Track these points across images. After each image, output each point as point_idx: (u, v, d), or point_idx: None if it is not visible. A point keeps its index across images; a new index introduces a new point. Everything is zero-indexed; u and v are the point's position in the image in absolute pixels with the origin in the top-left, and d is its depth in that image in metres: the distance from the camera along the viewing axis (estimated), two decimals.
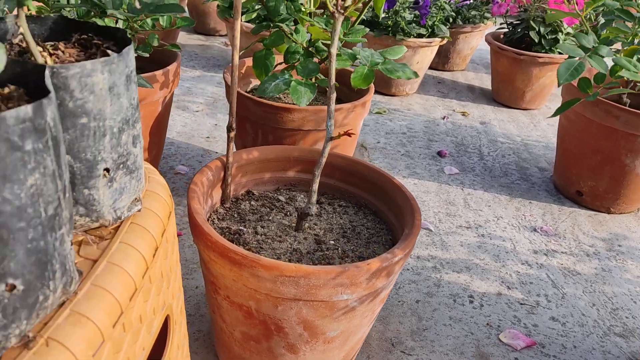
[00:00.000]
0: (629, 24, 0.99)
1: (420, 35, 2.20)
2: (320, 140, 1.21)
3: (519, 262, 1.32)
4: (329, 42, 1.12)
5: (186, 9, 2.90)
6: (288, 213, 0.92)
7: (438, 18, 2.25)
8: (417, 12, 2.15)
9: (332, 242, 0.86)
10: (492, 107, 2.32)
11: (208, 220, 0.87)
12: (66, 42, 0.53)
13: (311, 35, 1.17)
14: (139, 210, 0.55)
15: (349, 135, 0.75)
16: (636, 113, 1.35)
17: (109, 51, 0.48)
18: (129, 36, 0.53)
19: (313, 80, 1.14)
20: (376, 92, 2.33)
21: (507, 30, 2.30)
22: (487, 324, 1.12)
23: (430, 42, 2.18)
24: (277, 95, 1.31)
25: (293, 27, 1.15)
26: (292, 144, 1.20)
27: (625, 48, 0.90)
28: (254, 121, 1.20)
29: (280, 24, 1.12)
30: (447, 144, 1.92)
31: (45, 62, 0.48)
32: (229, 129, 0.88)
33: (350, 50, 0.88)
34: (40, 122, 0.35)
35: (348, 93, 1.36)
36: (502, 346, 1.07)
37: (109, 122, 0.47)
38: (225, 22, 2.24)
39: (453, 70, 2.74)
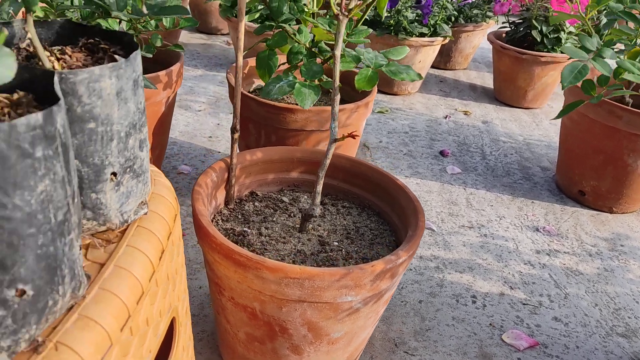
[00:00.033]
0: (631, 25, 0.99)
1: (422, 35, 2.20)
2: (323, 141, 1.21)
3: (522, 262, 1.32)
4: (332, 42, 1.13)
5: (188, 8, 2.90)
6: (292, 214, 0.93)
7: (440, 17, 2.25)
8: (419, 11, 2.15)
9: (335, 243, 0.86)
10: (494, 106, 2.32)
11: (212, 221, 0.88)
12: (73, 46, 0.53)
13: (314, 35, 1.17)
14: (145, 214, 0.56)
15: (353, 137, 0.76)
16: (639, 113, 1.35)
17: (116, 56, 0.49)
18: (133, 37, 0.53)
19: (317, 81, 1.14)
20: (378, 91, 2.33)
21: (509, 29, 2.30)
22: (490, 324, 1.12)
23: (433, 41, 2.18)
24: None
25: (296, 28, 1.15)
26: (295, 145, 1.21)
27: (628, 50, 0.90)
28: (257, 122, 1.20)
29: (284, 25, 1.12)
30: (450, 143, 1.92)
31: (53, 67, 0.48)
32: (233, 130, 0.88)
33: (354, 52, 0.88)
34: (50, 129, 0.36)
35: (351, 93, 1.36)
36: (505, 346, 1.07)
37: (117, 127, 0.48)
38: (227, 21, 2.24)
39: (455, 69, 2.74)
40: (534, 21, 2.15)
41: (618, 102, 1.45)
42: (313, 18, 1.20)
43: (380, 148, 1.83)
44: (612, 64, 2.46)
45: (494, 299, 1.19)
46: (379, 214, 0.96)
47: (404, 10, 2.12)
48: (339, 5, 0.76)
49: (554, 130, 2.12)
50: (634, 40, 0.92)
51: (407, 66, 0.80)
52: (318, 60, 1.18)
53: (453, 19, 2.46)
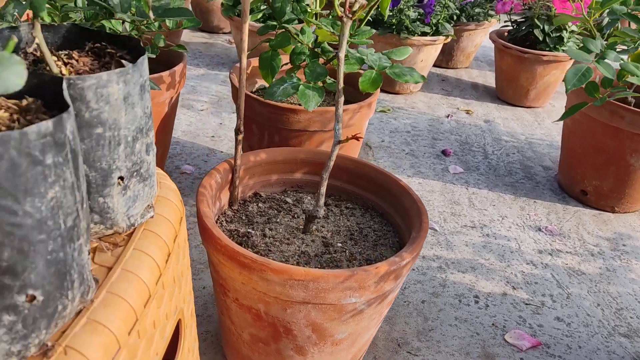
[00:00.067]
0: (633, 26, 1.00)
1: (424, 34, 2.20)
2: (326, 141, 1.22)
3: (524, 262, 1.33)
4: (335, 42, 1.13)
5: (190, 6, 2.90)
6: (295, 215, 0.93)
7: (442, 16, 2.24)
8: (421, 11, 2.15)
9: (339, 244, 0.86)
10: (496, 105, 2.32)
11: (216, 222, 0.88)
12: (80, 50, 0.53)
13: (317, 36, 1.17)
14: (152, 217, 0.56)
15: (357, 139, 0.76)
16: None
17: (123, 61, 0.49)
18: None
19: (320, 83, 1.14)
20: (380, 90, 2.33)
21: (511, 28, 2.30)
22: (493, 324, 1.12)
23: (435, 41, 2.18)
24: None
25: (299, 28, 1.16)
26: (298, 145, 1.21)
27: (632, 52, 0.90)
28: (260, 122, 1.20)
29: (287, 25, 1.12)
30: (452, 142, 1.92)
31: (61, 72, 0.48)
32: (237, 132, 0.89)
33: (358, 54, 0.89)
34: (60, 136, 0.36)
35: (354, 93, 1.36)
36: (508, 346, 1.07)
37: (124, 132, 0.48)
38: (229, 20, 2.24)
39: (457, 67, 2.74)
40: (536, 20, 2.14)
41: (621, 102, 1.45)
42: (316, 18, 1.20)
43: (383, 147, 1.83)
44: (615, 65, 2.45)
45: (496, 299, 1.20)
46: (382, 215, 0.97)
47: (406, 9, 2.12)
48: (343, 6, 0.76)
49: (556, 130, 2.12)
50: (638, 42, 0.92)
51: (410, 68, 0.80)
52: (321, 60, 1.18)
53: (455, 17, 2.46)
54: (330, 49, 1.18)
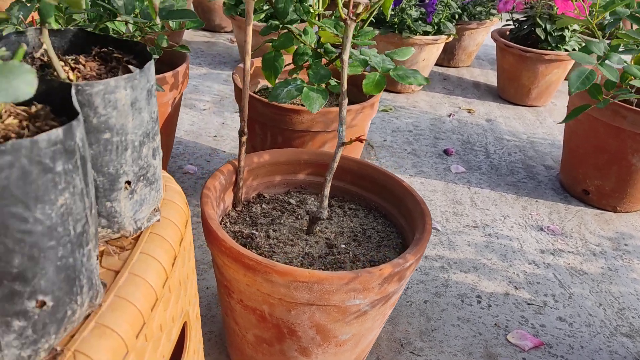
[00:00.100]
0: (635, 27, 1.00)
1: (426, 33, 2.20)
2: (329, 141, 1.22)
3: (526, 262, 1.33)
4: (337, 42, 1.13)
5: (191, 5, 2.90)
6: (299, 216, 0.93)
7: (444, 15, 2.24)
8: (423, 10, 2.15)
9: (343, 245, 0.87)
10: (497, 104, 2.32)
11: (220, 223, 0.88)
12: (86, 55, 0.53)
13: (320, 37, 1.17)
14: (158, 220, 0.56)
15: (361, 141, 0.76)
16: None
17: (130, 66, 0.49)
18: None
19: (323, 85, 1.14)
20: None
21: (513, 27, 2.30)
22: (495, 324, 1.13)
23: (437, 40, 2.19)
24: None
25: (301, 27, 1.16)
26: (300, 145, 1.21)
27: (635, 54, 0.90)
28: (263, 123, 1.20)
29: (289, 26, 1.12)
30: (454, 142, 1.92)
31: (68, 77, 0.48)
32: (241, 133, 0.89)
33: (361, 56, 0.89)
34: (70, 144, 0.36)
35: (356, 93, 1.36)
36: (510, 347, 1.08)
37: (131, 137, 0.48)
38: (231, 19, 2.24)
39: (458, 66, 2.74)
40: (538, 19, 2.14)
41: (623, 102, 1.45)
42: (318, 19, 1.20)
43: (385, 147, 1.84)
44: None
45: (498, 299, 1.20)
46: (385, 216, 0.97)
47: (408, 8, 2.12)
48: (347, 7, 0.77)
49: (557, 129, 2.13)
50: None
51: (414, 70, 0.80)
52: (323, 60, 1.18)
53: (457, 16, 2.46)
54: (333, 49, 1.18)
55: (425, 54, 2.22)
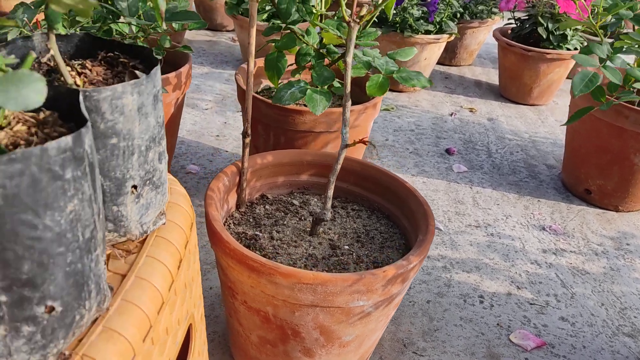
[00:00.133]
0: (638, 28, 1.00)
1: (428, 32, 2.20)
2: (331, 142, 1.22)
3: (528, 262, 1.33)
4: (340, 44, 1.13)
5: (193, 4, 2.90)
6: (302, 217, 0.94)
7: (446, 14, 2.24)
8: (425, 9, 2.15)
9: (346, 247, 0.87)
10: (499, 103, 2.32)
11: (224, 224, 0.89)
12: (92, 59, 0.54)
13: (323, 37, 1.17)
14: (164, 224, 0.57)
15: (364, 143, 0.76)
16: None
17: (137, 72, 0.49)
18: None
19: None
20: None
21: (515, 25, 2.30)
22: (498, 324, 1.13)
23: (438, 39, 2.19)
24: None
25: (304, 27, 1.16)
26: (303, 146, 1.21)
27: (637, 56, 0.90)
28: (266, 123, 1.20)
29: (292, 27, 1.12)
30: (455, 141, 1.93)
31: (75, 82, 0.49)
32: (245, 135, 0.89)
33: (365, 58, 0.89)
34: (79, 151, 0.36)
35: (359, 93, 1.36)
36: (513, 347, 1.08)
37: (137, 141, 0.49)
38: (233, 18, 2.24)
39: (460, 65, 2.74)
40: (539, 18, 2.14)
41: (625, 102, 1.45)
42: (321, 19, 1.20)
43: (387, 146, 1.84)
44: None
45: (501, 298, 1.20)
46: (388, 217, 0.97)
47: (410, 7, 2.12)
48: (350, 8, 0.77)
49: (559, 128, 2.13)
50: None
51: (417, 72, 0.81)
52: (326, 61, 1.18)
53: (458, 15, 2.46)
54: (336, 49, 1.18)
55: (427, 53, 2.22)
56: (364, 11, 0.76)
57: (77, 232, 0.38)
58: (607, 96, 0.86)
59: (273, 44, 1.14)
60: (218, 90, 2.15)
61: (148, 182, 0.52)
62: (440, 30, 2.23)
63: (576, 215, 1.55)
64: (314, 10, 1.16)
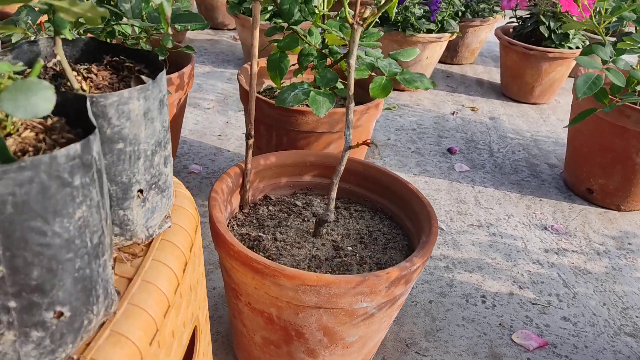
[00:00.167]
0: None
1: (429, 31, 2.20)
2: (333, 142, 1.22)
3: (530, 261, 1.34)
4: (343, 45, 1.13)
5: (194, 3, 2.90)
6: (305, 218, 0.94)
7: (448, 13, 2.24)
8: (427, 8, 2.15)
9: (349, 248, 0.87)
10: (501, 101, 2.32)
11: (228, 226, 0.89)
12: (98, 64, 0.54)
13: (325, 37, 1.17)
14: (169, 227, 0.57)
15: (368, 145, 0.77)
16: None
17: (143, 77, 0.50)
18: (157, 55, 0.54)
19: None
20: None
21: (516, 24, 2.30)
22: (500, 324, 1.14)
23: (440, 38, 2.19)
24: None
25: (306, 27, 1.16)
26: (306, 146, 1.22)
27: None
28: (268, 124, 1.21)
29: (294, 27, 1.12)
30: (457, 140, 1.93)
31: (81, 87, 0.49)
32: (248, 136, 0.89)
33: (368, 58, 0.89)
34: (87, 158, 0.37)
35: (362, 94, 1.36)
36: (515, 346, 1.08)
37: (143, 146, 0.49)
38: (234, 17, 2.24)
39: (462, 63, 2.74)
40: (541, 17, 2.14)
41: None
42: (323, 19, 1.20)
43: (389, 145, 1.84)
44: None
45: (503, 298, 1.21)
46: (391, 218, 0.97)
47: (412, 7, 2.12)
48: (353, 9, 0.77)
49: (561, 127, 2.13)
50: None
51: (420, 74, 0.81)
52: (328, 61, 1.18)
53: (460, 14, 2.46)
54: (338, 50, 1.19)
55: (429, 52, 2.22)
56: (367, 13, 0.76)
57: (86, 238, 0.38)
58: (610, 97, 0.86)
59: (275, 44, 1.14)
60: (220, 90, 2.15)
61: (154, 186, 0.52)
62: (442, 29, 2.23)
63: (578, 214, 1.56)
64: (316, 11, 1.16)
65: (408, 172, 1.68)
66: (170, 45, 1.22)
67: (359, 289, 0.72)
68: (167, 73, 1.24)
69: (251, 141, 0.89)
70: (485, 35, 2.66)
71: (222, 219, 0.80)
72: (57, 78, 0.51)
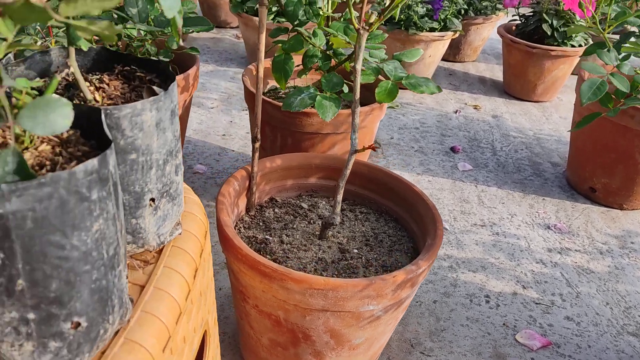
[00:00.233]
0: None
1: (432, 29, 2.20)
2: (338, 143, 1.23)
3: (534, 261, 1.34)
4: (348, 47, 1.14)
5: (197, 1, 2.90)
6: (311, 221, 0.95)
7: (450, 11, 2.24)
8: (429, 7, 2.15)
9: (355, 250, 0.88)
10: (503, 99, 2.33)
11: (234, 228, 0.90)
12: (109, 73, 0.55)
13: (329, 39, 1.18)
14: (180, 234, 0.58)
15: (374, 149, 0.77)
16: None
17: (155, 88, 0.50)
18: (168, 65, 0.54)
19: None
20: None
21: (519, 22, 2.30)
22: (504, 324, 1.14)
23: (443, 36, 2.19)
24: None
25: (310, 27, 1.16)
26: (310, 147, 1.22)
27: None
28: (273, 125, 1.21)
29: (299, 28, 1.13)
30: (460, 139, 1.93)
31: (94, 98, 0.50)
32: (254, 139, 0.90)
33: (373, 59, 0.90)
34: (104, 172, 0.37)
35: (366, 94, 1.37)
36: (519, 346, 1.09)
37: (155, 156, 0.50)
38: (237, 16, 2.24)
39: (464, 61, 2.74)
40: (544, 15, 2.14)
41: None
42: (328, 21, 1.21)
43: (392, 144, 1.85)
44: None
45: (507, 298, 1.21)
46: (396, 220, 0.98)
47: (415, 5, 2.12)
48: (359, 16, 0.78)
49: (563, 125, 2.13)
50: None
51: (426, 78, 0.81)
52: (332, 62, 1.19)
53: (462, 12, 2.46)
54: (342, 51, 1.19)
55: (432, 50, 2.23)
56: (372, 18, 0.77)
57: (102, 250, 0.39)
58: (614, 101, 0.87)
59: (280, 45, 1.15)
60: (223, 89, 2.15)
61: (165, 194, 0.53)
62: (444, 28, 2.24)
63: (581, 213, 1.56)
64: (321, 12, 1.16)
65: (411, 172, 1.69)
66: (175, 46, 1.23)
67: (366, 292, 0.73)
68: None
69: (258, 144, 0.90)
70: (487, 33, 2.66)
71: (230, 222, 0.81)
72: (70, 88, 0.52)
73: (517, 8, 2.31)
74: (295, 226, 0.92)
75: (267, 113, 1.20)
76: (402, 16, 2.14)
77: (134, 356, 0.45)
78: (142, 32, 1.13)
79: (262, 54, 0.85)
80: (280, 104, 1.17)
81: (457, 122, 2.07)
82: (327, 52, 1.17)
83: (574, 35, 2.12)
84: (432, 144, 1.88)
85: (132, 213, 0.50)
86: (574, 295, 1.25)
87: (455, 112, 2.15)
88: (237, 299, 0.86)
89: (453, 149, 1.84)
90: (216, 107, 1.99)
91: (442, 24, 2.21)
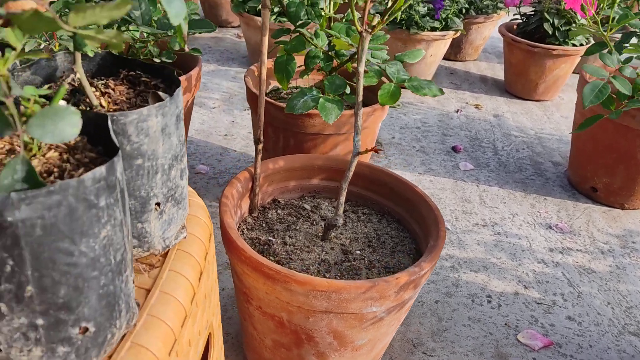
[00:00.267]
0: None
1: (434, 29, 2.20)
2: (340, 144, 1.23)
3: (535, 261, 1.35)
4: (349, 49, 1.14)
5: (198, 1, 2.90)
6: (314, 222, 0.95)
7: (452, 10, 2.25)
8: (431, 6, 2.15)
9: (358, 252, 0.88)
10: (505, 98, 2.33)
11: (238, 230, 0.90)
12: (115, 78, 0.55)
13: (331, 40, 1.18)
14: (185, 237, 0.58)
15: (376, 151, 0.78)
16: None
17: (160, 93, 0.51)
18: (173, 70, 0.55)
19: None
20: None
21: (520, 21, 2.30)
22: (506, 324, 1.15)
23: (444, 35, 2.19)
24: None
25: (312, 27, 1.17)
26: (313, 148, 1.23)
27: None
28: (275, 126, 1.22)
29: (301, 29, 1.13)
30: (462, 138, 1.94)
31: (100, 103, 0.50)
32: (257, 141, 0.90)
33: (376, 67, 0.90)
34: (112, 179, 0.38)
35: (368, 95, 1.37)
36: (521, 346, 1.10)
37: (161, 161, 0.50)
38: (239, 16, 2.25)
39: (465, 60, 2.74)
40: (545, 14, 2.14)
41: None
42: (330, 22, 1.21)
43: (394, 144, 1.85)
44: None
45: (508, 298, 1.22)
46: (398, 221, 0.98)
47: (416, 4, 2.12)
48: (361, 15, 0.78)
49: (564, 124, 2.13)
50: None
51: (429, 81, 0.82)
52: (334, 63, 1.19)
53: (464, 11, 2.46)
54: (345, 52, 1.19)
55: (433, 49, 2.23)
56: (375, 21, 0.77)
57: (110, 255, 0.40)
58: (616, 102, 0.87)
59: (282, 46, 1.15)
60: (225, 89, 2.16)
61: (170, 198, 0.53)
62: (446, 27, 2.24)
63: (582, 213, 1.57)
64: (323, 13, 1.17)
65: (413, 171, 1.69)
66: (177, 48, 1.23)
67: (369, 294, 0.73)
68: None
69: (260, 146, 0.91)
70: (489, 32, 2.66)
71: (233, 224, 0.81)
72: (76, 93, 0.52)
73: (519, 7, 2.31)
74: (298, 227, 0.93)
75: (269, 114, 1.21)
76: (403, 16, 2.14)
77: None
78: (145, 33, 1.13)
79: (265, 57, 0.85)
80: (283, 105, 1.18)
81: (458, 121, 2.07)
82: (329, 53, 1.18)
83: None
84: (434, 143, 1.88)
85: (137, 217, 0.51)
86: (576, 295, 1.25)
87: (457, 111, 2.16)
88: (241, 300, 0.86)
89: (454, 149, 1.85)
90: (218, 107, 1.99)
91: (443, 23, 2.22)
